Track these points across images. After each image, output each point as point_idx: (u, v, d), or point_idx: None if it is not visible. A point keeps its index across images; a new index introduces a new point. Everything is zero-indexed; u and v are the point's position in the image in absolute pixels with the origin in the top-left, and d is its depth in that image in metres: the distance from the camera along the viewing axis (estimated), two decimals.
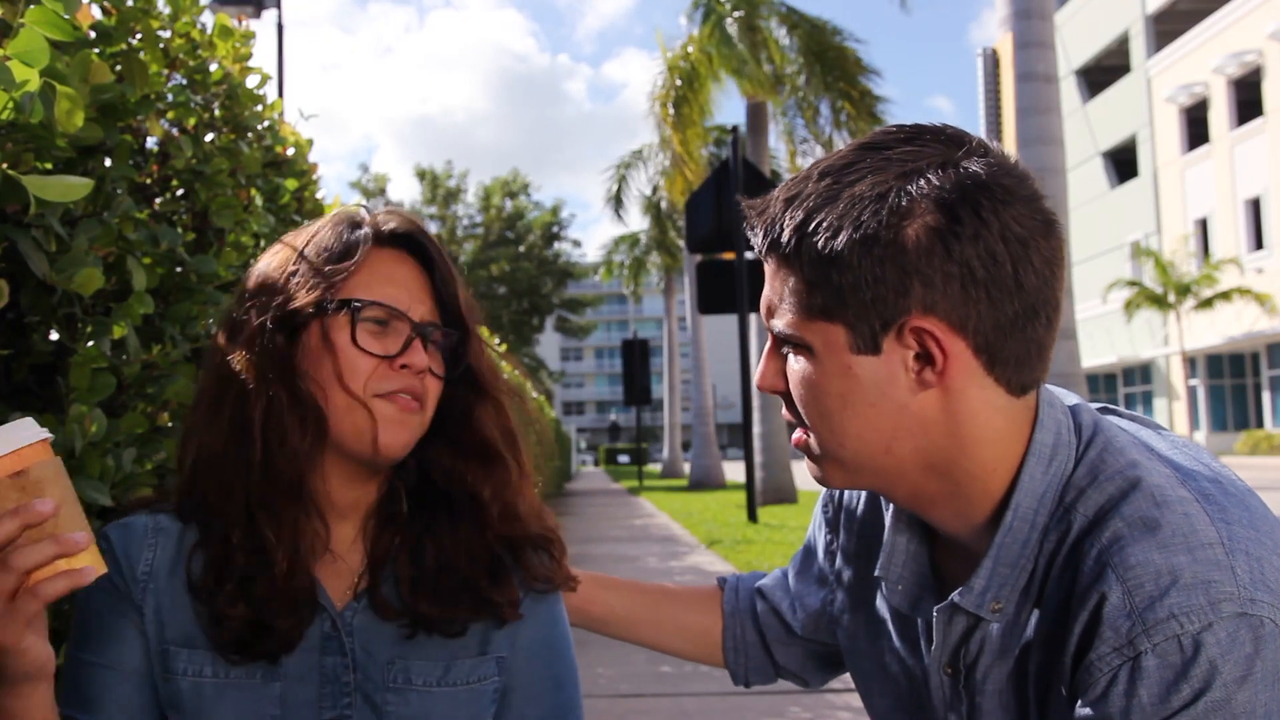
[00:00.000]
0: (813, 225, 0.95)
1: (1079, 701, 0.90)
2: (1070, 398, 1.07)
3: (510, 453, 1.17)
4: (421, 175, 41.48)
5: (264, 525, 1.06)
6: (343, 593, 1.12)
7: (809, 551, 1.37)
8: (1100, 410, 1.08)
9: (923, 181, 0.93)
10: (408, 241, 1.15)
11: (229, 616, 1.05)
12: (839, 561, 1.28)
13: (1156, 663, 0.85)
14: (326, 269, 1.09)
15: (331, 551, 1.12)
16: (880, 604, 1.19)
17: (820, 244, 0.94)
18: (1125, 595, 0.87)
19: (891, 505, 1.12)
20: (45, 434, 0.89)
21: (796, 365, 1.00)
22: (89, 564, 0.88)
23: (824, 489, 1.34)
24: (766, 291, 1.03)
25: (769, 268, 1.02)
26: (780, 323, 1.00)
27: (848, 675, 1.38)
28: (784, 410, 1.06)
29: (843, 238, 0.93)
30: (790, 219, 0.97)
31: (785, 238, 0.97)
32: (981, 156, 0.95)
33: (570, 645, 1.21)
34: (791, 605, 1.37)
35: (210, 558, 1.08)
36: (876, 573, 1.12)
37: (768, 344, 1.05)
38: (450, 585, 1.12)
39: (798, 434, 1.05)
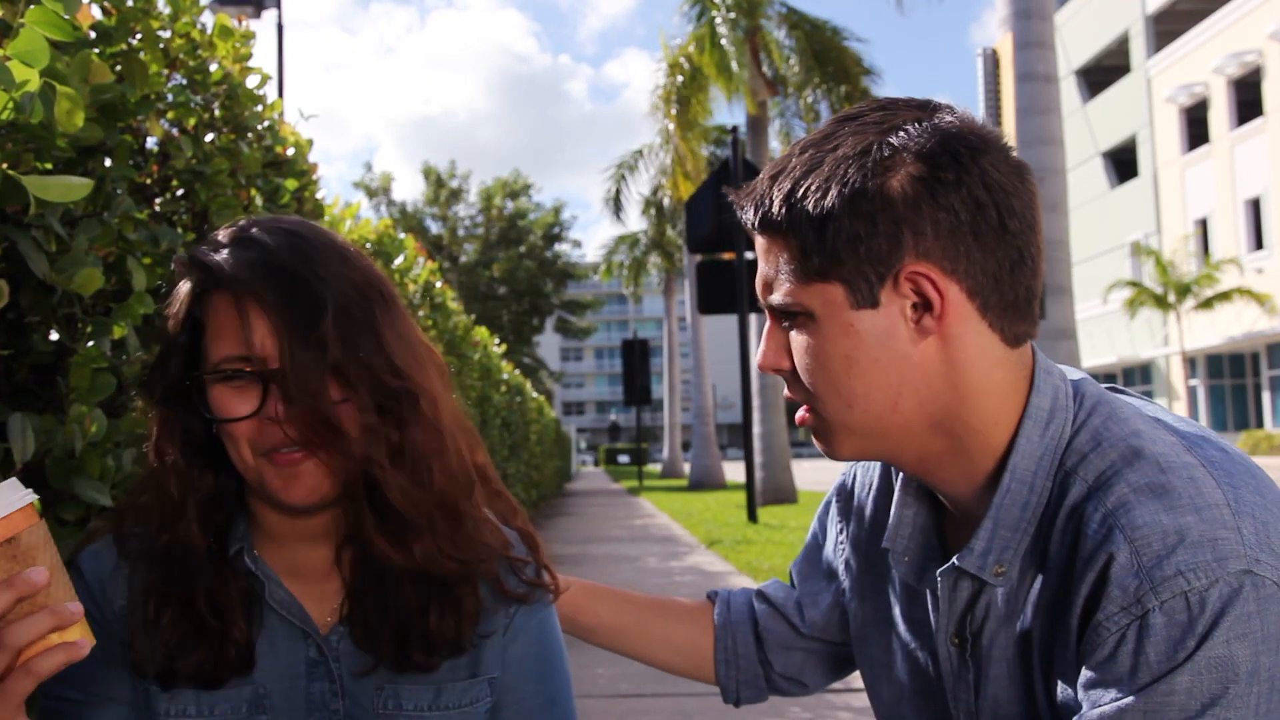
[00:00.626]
0: (801, 191, 0.98)
1: (1086, 663, 0.90)
2: (1075, 373, 1.08)
3: (416, 475, 1.04)
4: (427, 174, 41.69)
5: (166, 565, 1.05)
6: (324, 617, 1.08)
7: (815, 549, 1.37)
8: (1108, 389, 1.09)
9: (902, 134, 0.97)
10: (258, 270, 0.99)
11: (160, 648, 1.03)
12: (849, 551, 1.29)
13: (1164, 620, 0.85)
14: (179, 338, 1.02)
15: (306, 575, 1.09)
16: (889, 594, 1.20)
17: (810, 206, 0.97)
18: (1133, 555, 0.88)
19: (900, 479, 1.13)
20: (31, 495, 0.83)
21: (799, 336, 1.02)
22: (81, 636, 0.83)
23: (831, 487, 1.35)
24: (761, 269, 1.04)
25: (761, 246, 1.04)
26: (778, 295, 1.02)
27: (847, 675, 1.38)
28: (786, 390, 1.07)
29: (831, 196, 0.96)
30: (778, 191, 1.00)
31: (775, 208, 1.00)
32: (950, 114, 1.00)
33: (564, 658, 1.17)
34: (798, 605, 1.37)
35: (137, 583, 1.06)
36: (884, 544, 1.13)
37: (767, 325, 1.06)
38: (407, 623, 1.06)
39: (801, 412, 1.06)
